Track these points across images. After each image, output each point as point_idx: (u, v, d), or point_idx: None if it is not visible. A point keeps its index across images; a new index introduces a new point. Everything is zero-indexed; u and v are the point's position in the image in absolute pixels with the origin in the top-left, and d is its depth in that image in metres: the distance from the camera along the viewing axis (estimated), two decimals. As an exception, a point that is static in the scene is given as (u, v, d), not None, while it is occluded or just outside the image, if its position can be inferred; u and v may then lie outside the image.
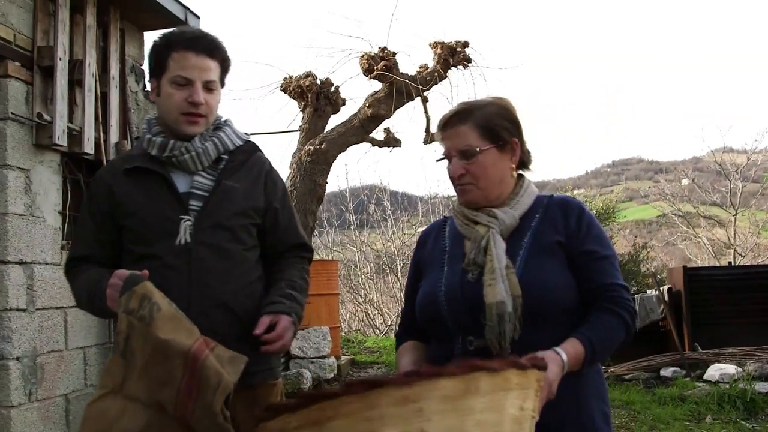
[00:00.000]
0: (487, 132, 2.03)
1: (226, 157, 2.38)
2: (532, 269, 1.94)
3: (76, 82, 4.85)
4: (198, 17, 6.10)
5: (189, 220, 2.26)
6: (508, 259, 1.94)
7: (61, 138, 4.60)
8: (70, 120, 4.77)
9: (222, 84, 2.39)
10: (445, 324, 2.02)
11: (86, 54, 4.91)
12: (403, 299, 2.38)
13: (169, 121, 2.33)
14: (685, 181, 31.53)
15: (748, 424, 6.44)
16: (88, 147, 4.91)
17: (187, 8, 5.89)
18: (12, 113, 4.33)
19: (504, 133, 2.05)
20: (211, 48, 2.32)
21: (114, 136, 5.27)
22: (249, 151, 2.46)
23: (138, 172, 2.32)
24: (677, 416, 6.73)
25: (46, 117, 4.52)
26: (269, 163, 2.53)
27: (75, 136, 4.80)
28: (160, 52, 2.31)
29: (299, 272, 2.47)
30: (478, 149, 2.02)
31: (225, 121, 2.45)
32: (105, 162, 4.86)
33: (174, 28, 2.47)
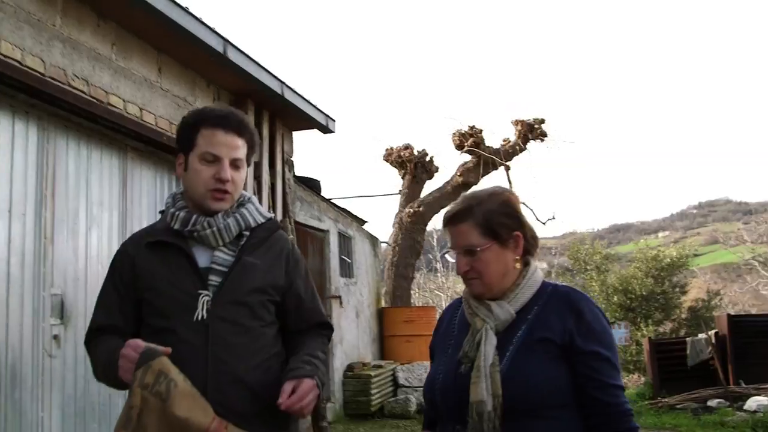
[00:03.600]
0: (488, 230, 2.02)
1: (247, 233, 2.33)
2: (517, 366, 1.91)
3: (255, 177, 6.77)
4: (334, 120, 7.99)
5: (207, 295, 2.20)
6: (496, 355, 1.93)
7: (248, 220, 6.29)
8: (252, 206, 6.59)
9: (248, 162, 2.36)
10: (441, 411, 2.07)
11: (262, 157, 6.84)
12: None
13: (196, 197, 2.28)
14: (773, 223, 31.11)
15: (776, 445, 7.79)
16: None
17: (327, 115, 7.80)
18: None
19: (503, 230, 2.04)
20: (239, 126, 2.29)
21: (279, 215, 7.11)
22: (271, 229, 2.41)
23: (160, 245, 2.29)
24: (716, 437, 8.13)
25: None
26: (291, 242, 2.48)
27: (256, 218, 6.58)
28: (190, 129, 2.29)
29: (320, 345, 2.41)
30: (479, 248, 2.02)
31: (249, 198, 2.41)
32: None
33: (205, 106, 2.62)
